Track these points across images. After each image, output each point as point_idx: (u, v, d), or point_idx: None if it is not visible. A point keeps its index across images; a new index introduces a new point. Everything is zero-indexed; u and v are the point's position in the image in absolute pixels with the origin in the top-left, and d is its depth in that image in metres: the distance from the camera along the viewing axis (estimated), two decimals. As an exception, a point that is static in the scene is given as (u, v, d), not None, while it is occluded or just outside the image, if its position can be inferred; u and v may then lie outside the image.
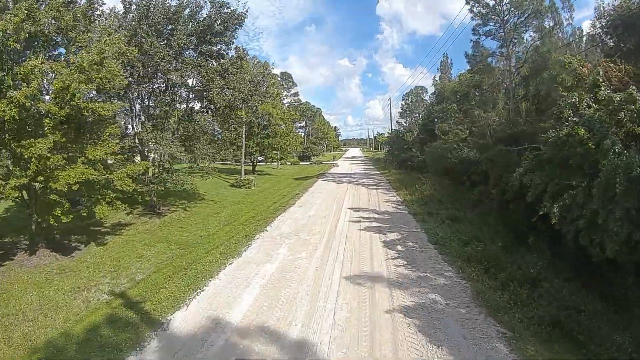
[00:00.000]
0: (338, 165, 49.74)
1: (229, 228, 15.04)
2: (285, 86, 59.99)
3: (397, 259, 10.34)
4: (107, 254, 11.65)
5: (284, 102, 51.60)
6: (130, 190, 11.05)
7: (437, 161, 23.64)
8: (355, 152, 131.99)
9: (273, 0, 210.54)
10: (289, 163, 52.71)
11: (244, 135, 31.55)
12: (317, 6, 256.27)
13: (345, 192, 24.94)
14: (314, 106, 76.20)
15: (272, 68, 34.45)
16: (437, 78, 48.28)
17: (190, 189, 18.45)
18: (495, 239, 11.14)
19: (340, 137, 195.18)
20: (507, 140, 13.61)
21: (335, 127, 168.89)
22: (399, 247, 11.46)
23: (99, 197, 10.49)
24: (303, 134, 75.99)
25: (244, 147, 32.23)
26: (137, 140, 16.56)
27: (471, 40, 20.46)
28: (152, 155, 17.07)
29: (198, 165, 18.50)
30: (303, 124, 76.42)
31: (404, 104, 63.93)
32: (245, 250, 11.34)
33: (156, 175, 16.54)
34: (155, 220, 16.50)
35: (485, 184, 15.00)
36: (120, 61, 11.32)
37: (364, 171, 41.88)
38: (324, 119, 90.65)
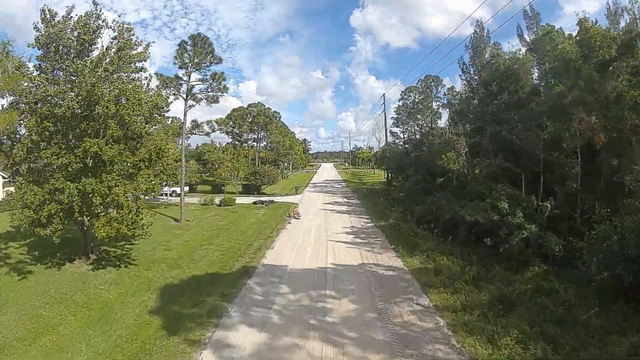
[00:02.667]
0: (298, 217, 26.57)
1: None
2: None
3: None
4: None
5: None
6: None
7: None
8: (328, 169, 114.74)
9: (247, 12, 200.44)
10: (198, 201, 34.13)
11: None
12: (291, 18, 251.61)
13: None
14: (269, 109, 58.31)
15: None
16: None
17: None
18: None
19: (311, 151, 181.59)
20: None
21: (305, 139, 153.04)
22: None
23: None
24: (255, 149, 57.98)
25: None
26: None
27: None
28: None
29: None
30: (255, 135, 58.58)
31: (400, 105, 47.98)
32: None
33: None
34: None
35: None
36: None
37: (356, 243, 19.53)
38: (285, 127, 73.09)
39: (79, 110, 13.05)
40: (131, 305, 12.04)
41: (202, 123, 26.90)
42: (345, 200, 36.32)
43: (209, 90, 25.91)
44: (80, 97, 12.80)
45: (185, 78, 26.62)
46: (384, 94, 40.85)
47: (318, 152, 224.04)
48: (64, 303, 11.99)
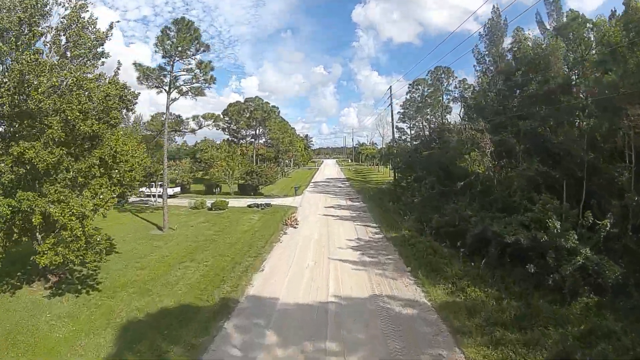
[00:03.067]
0: (296, 226, 23.15)
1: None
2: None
3: None
4: None
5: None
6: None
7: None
8: (331, 166, 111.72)
9: (248, 8, 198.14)
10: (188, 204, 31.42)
11: None
12: (293, 13, 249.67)
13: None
14: (267, 103, 55.05)
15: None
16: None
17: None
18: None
19: (313, 147, 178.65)
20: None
21: (307, 135, 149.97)
22: None
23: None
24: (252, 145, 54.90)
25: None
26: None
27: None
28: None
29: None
30: (253, 131, 55.45)
31: (407, 99, 44.58)
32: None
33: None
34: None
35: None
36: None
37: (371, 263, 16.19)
38: (285, 123, 69.86)
39: (8, 107, 10.09)
40: (82, 350, 9.56)
41: (187, 119, 23.73)
42: (349, 202, 33.24)
43: (194, 81, 22.90)
44: (6, 88, 9.85)
45: (168, 68, 23.63)
46: (390, 86, 37.71)
47: (321, 148, 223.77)
48: (3, 346, 9.38)
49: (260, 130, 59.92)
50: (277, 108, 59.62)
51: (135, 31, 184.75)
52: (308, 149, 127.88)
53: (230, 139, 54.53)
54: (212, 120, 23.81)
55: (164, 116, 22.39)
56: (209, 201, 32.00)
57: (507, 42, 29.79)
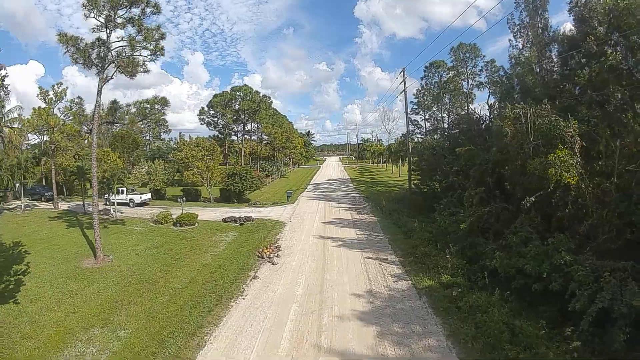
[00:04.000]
0: (276, 260, 15.70)
1: None
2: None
3: None
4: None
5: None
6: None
7: None
8: (333, 164, 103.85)
9: (250, 6, 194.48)
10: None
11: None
12: (295, 10, 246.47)
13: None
14: (256, 92, 47.31)
15: None
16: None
17: None
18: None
19: (316, 144, 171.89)
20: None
21: (309, 132, 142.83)
22: None
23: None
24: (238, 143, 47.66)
25: None
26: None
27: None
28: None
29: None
30: (245, 126, 48.15)
31: (422, 86, 37.08)
32: None
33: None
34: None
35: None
36: None
37: None
38: (279, 115, 62.40)
39: None
40: None
41: (129, 105, 16.70)
42: (356, 215, 25.82)
43: (136, 49, 15.81)
44: None
45: (104, 38, 16.58)
46: (403, 68, 30.32)
47: (324, 145, 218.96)
48: None
49: (254, 125, 52.81)
50: (269, 98, 51.85)
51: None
52: (309, 145, 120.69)
53: (217, 135, 47.39)
54: (161, 105, 16.72)
55: (95, 104, 15.47)
56: (178, 212, 25.01)
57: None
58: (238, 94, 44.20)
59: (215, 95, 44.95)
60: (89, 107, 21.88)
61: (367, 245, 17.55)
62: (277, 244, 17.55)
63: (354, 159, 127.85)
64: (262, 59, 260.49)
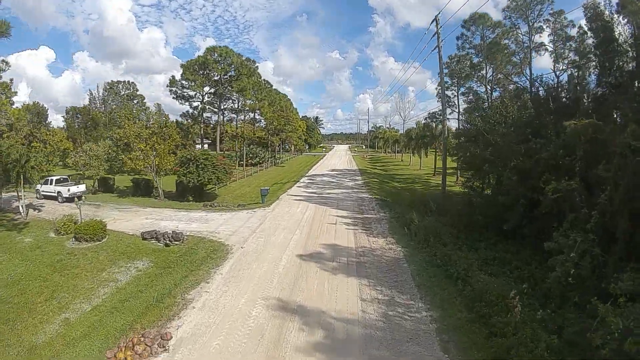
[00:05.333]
0: None
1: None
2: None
3: None
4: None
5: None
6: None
7: None
8: (341, 152, 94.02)
9: None
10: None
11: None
12: None
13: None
14: (239, 55, 37.04)
15: None
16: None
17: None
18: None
19: (325, 132, 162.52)
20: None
21: (317, 117, 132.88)
22: None
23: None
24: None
25: None
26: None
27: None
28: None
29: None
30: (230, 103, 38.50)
31: (459, 47, 26.71)
32: None
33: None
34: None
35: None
36: None
37: None
38: (270, 88, 52.21)
39: None
40: None
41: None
42: (363, 239, 15.01)
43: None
44: None
45: None
46: (436, 16, 20.32)
47: (334, 134, 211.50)
48: None
49: (243, 102, 43.18)
50: (254, 62, 40.92)
51: (149, 16, 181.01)
52: (313, 131, 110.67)
53: (191, 112, 37.96)
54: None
55: None
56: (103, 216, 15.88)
57: None
58: (213, 56, 33.83)
59: (185, 63, 34.51)
60: None
61: (391, 353, 7.23)
62: (165, 330, 7.79)
63: (364, 147, 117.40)
64: (274, 46, 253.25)
